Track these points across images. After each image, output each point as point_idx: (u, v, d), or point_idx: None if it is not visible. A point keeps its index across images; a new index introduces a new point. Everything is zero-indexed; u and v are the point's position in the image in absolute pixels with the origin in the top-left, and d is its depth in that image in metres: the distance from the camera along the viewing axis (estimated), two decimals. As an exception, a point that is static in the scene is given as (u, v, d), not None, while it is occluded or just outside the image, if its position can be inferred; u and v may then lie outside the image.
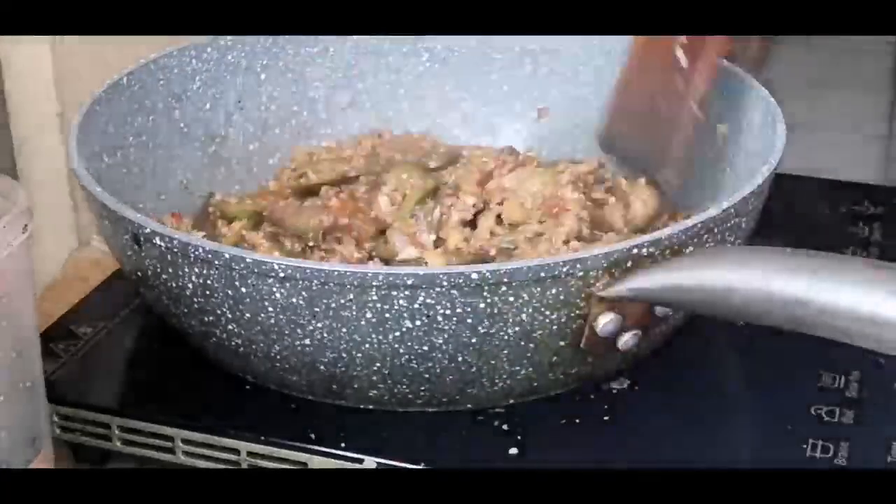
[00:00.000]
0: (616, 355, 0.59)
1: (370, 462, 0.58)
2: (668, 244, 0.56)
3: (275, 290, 0.54)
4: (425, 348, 0.56)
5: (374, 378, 0.58)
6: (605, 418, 0.61)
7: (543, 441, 0.59)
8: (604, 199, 0.72)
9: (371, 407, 0.60)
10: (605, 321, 0.56)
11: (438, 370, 0.57)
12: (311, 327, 0.55)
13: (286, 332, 0.56)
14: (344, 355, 0.56)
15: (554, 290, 0.55)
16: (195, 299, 0.57)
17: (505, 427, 0.60)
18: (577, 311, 0.56)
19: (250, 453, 0.59)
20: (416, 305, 0.54)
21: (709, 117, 0.72)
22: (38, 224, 0.52)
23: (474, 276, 0.53)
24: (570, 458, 0.58)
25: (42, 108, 0.86)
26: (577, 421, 0.60)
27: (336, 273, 0.53)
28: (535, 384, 0.60)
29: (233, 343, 0.59)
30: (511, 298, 0.54)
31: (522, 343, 0.56)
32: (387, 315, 0.54)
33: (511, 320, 0.55)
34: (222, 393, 0.62)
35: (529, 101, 0.82)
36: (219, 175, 0.77)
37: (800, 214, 0.79)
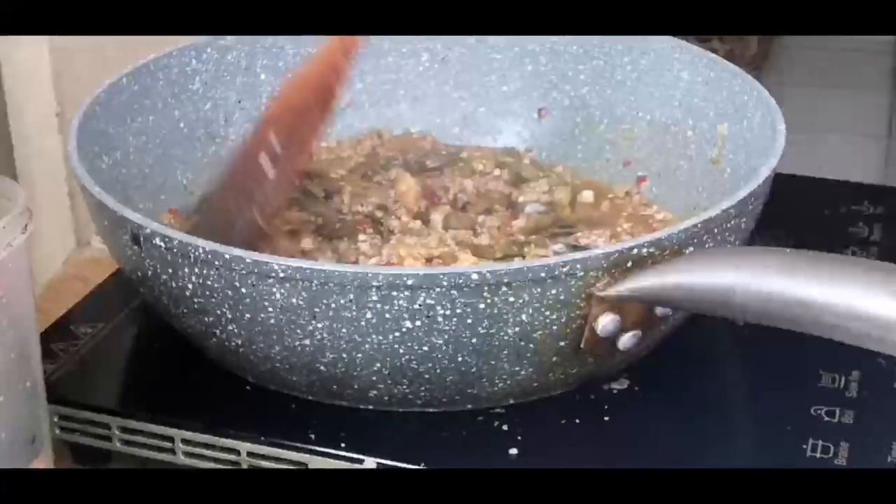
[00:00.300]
0: (616, 355, 0.59)
1: (370, 462, 0.58)
2: (668, 244, 0.56)
3: (275, 290, 0.54)
4: (425, 349, 0.56)
5: (374, 378, 0.58)
6: (605, 418, 0.61)
7: (543, 441, 0.59)
8: None
9: (371, 407, 0.60)
10: (605, 321, 0.56)
11: (438, 370, 0.57)
12: (311, 327, 0.55)
13: (286, 332, 0.56)
14: (344, 355, 0.56)
15: (554, 291, 0.55)
16: (195, 299, 0.57)
17: (505, 427, 0.60)
18: (578, 312, 0.56)
19: (250, 453, 0.59)
20: (417, 306, 0.54)
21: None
22: (37, 224, 0.52)
23: (474, 276, 0.53)
24: (570, 458, 0.58)
25: (42, 108, 0.86)
26: (577, 421, 0.60)
27: (336, 273, 0.53)
28: (535, 384, 0.60)
29: (233, 343, 0.59)
30: (511, 299, 0.54)
31: (522, 343, 0.56)
32: (387, 315, 0.54)
33: (511, 321, 0.55)
34: (222, 393, 0.62)
35: (529, 101, 0.82)
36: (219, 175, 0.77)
37: (800, 214, 0.79)
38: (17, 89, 0.86)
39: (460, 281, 0.53)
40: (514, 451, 0.58)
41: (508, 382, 0.59)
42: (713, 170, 0.72)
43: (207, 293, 0.56)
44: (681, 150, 0.76)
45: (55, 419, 0.62)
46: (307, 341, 0.56)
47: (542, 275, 0.54)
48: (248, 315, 0.56)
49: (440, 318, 0.54)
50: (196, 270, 0.56)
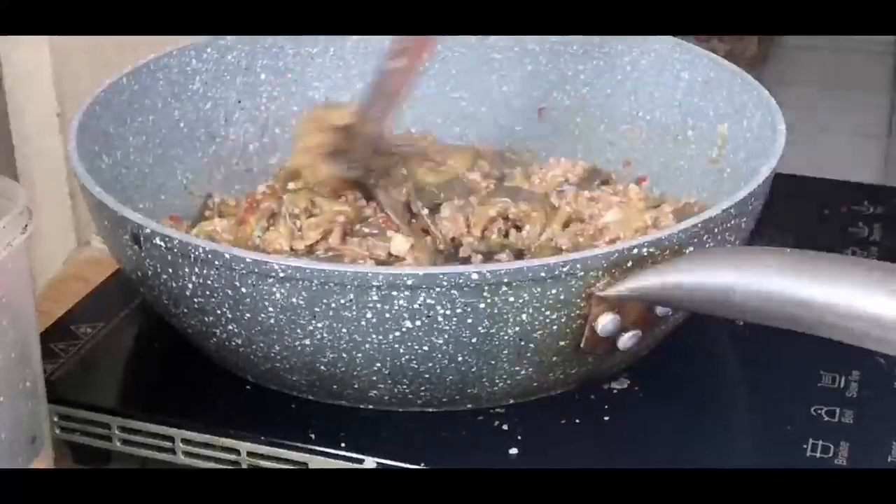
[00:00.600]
0: (616, 355, 0.59)
1: (370, 462, 0.58)
2: (668, 244, 0.56)
3: (275, 290, 0.54)
4: (425, 348, 0.56)
5: (375, 378, 0.58)
6: (605, 418, 0.61)
7: (543, 441, 0.59)
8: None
9: (371, 407, 0.60)
10: (605, 321, 0.56)
11: (438, 370, 0.57)
12: (311, 327, 0.55)
13: (286, 332, 0.56)
14: (344, 355, 0.56)
15: (554, 291, 0.55)
16: (195, 299, 0.57)
17: (505, 427, 0.60)
18: (578, 312, 0.56)
19: (250, 453, 0.59)
20: (417, 305, 0.54)
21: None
22: (37, 224, 0.52)
23: (474, 276, 0.53)
24: (570, 457, 0.58)
25: (42, 108, 0.86)
26: (577, 421, 0.60)
27: (336, 273, 0.53)
28: (536, 384, 0.60)
29: (233, 343, 0.59)
30: (511, 298, 0.54)
31: (523, 343, 0.56)
32: (387, 315, 0.54)
33: (511, 320, 0.55)
34: (222, 393, 0.62)
35: (529, 101, 0.82)
36: (219, 175, 0.77)
37: (800, 214, 0.79)
38: (18, 89, 0.86)
39: (460, 281, 0.53)
40: (514, 450, 0.58)
41: (508, 382, 0.59)
42: (713, 170, 0.72)
43: (207, 293, 0.56)
44: (681, 150, 0.76)
45: (55, 419, 0.62)
46: (307, 341, 0.56)
47: (543, 274, 0.54)
48: (248, 315, 0.56)
49: (440, 318, 0.54)
50: (196, 270, 0.56)
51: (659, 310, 0.57)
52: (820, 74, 1.76)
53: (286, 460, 0.59)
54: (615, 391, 0.62)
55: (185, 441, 0.60)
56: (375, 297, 0.54)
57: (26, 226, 0.51)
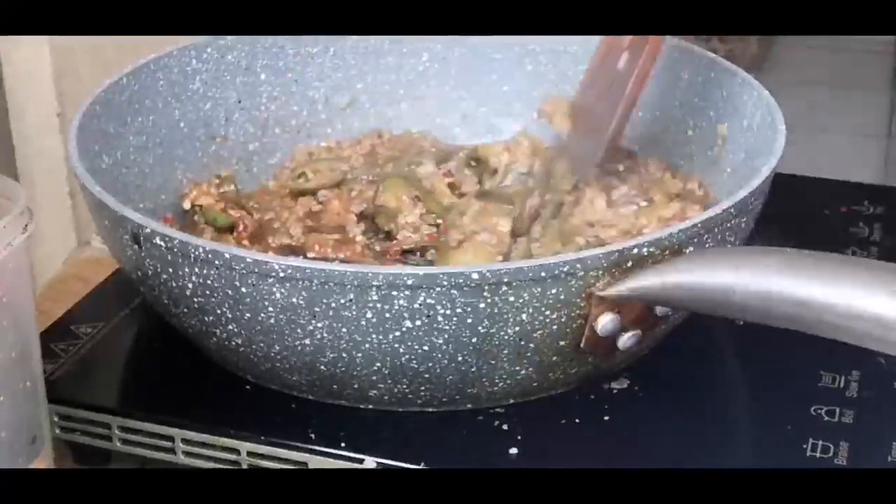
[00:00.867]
0: (616, 355, 0.59)
1: (370, 462, 0.58)
2: (668, 244, 0.56)
3: (275, 289, 0.54)
4: (425, 348, 0.56)
5: (374, 378, 0.58)
6: (605, 418, 0.61)
7: (543, 441, 0.59)
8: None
9: (371, 407, 0.60)
10: (605, 321, 0.56)
11: (438, 370, 0.57)
12: (311, 327, 0.55)
13: (286, 331, 0.56)
14: (344, 355, 0.56)
15: (554, 290, 0.55)
16: (195, 299, 0.57)
17: (505, 427, 0.60)
18: (578, 311, 0.56)
19: (250, 453, 0.59)
20: (417, 305, 0.54)
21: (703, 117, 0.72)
22: (38, 224, 0.52)
23: (474, 275, 0.53)
24: (570, 458, 0.58)
25: (42, 108, 0.86)
26: (577, 421, 0.60)
27: (336, 273, 0.53)
28: (535, 384, 0.60)
29: (233, 343, 0.59)
30: (511, 298, 0.54)
31: (522, 343, 0.56)
32: (387, 315, 0.54)
33: (511, 320, 0.55)
34: (222, 393, 0.62)
35: (529, 101, 0.82)
36: (219, 175, 0.77)
37: (800, 214, 0.79)
38: (18, 89, 0.86)
39: (460, 280, 0.53)
40: (514, 450, 0.58)
41: (508, 382, 0.59)
42: (713, 170, 0.72)
43: (207, 292, 0.56)
44: (681, 150, 0.76)
45: (55, 419, 0.62)
46: (307, 341, 0.56)
47: (543, 274, 0.54)
48: (248, 314, 0.56)
49: (440, 318, 0.54)
50: (196, 270, 0.56)
51: (659, 310, 0.57)
52: (820, 74, 1.76)
53: (286, 460, 0.59)
54: (615, 391, 0.62)
55: (185, 441, 0.60)
56: (375, 297, 0.54)
57: (26, 226, 0.51)
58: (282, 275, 0.54)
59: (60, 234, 0.88)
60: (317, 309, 0.55)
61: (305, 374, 0.59)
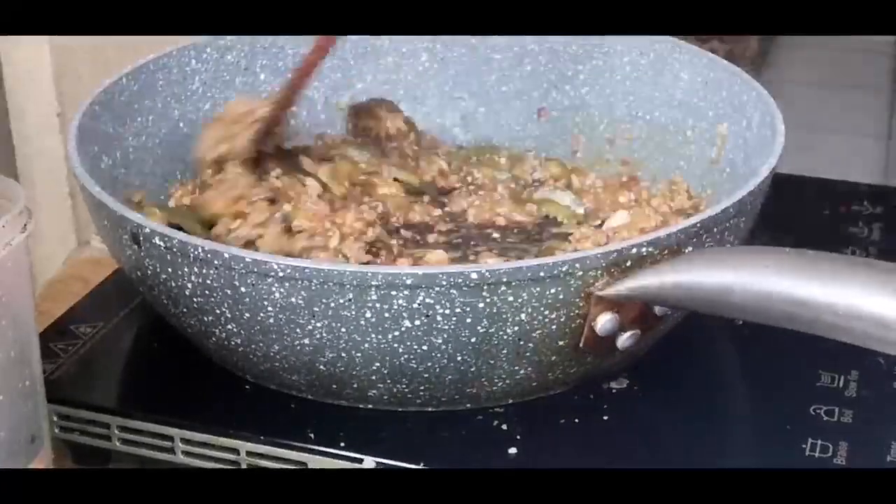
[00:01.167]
0: (615, 355, 0.59)
1: (370, 462, 0.58)
2: (668, 244, 0.56)
3: (274, 289, 0.54)
4: (425, 348, 0.56)
5: (374, 377, 0.58)
6: (605, 418, 0.61)
7: (543, 441, 0.59)
8: None
9: (370, 406, 0.60)
10: (604, 321, 0.56)
11: (438, 370, 0.57)
12: (310, 327, 0.55)
13: (285, 331, 0.56)
14: (343, 355, 0.56)
15: (553, 290, 0.55)
16: (195, 299, 0.57)
17: (504, 427, 0.60)
18: (577, 311, 0.56)
19: (250, 453, 0.59)
20: (416, 305, 0.54)
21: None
22: (38, 224, 0.52)
23: (474, 275, 0.53)
24: (569, 457, 0.58)
25: (42, 108, 0.86)
26: (577, 421, 0.60)
27: (335, 273, 0.53)
28: (535, 384, 0.60)
29: (232, 343, 0.59)
30: (510, 298, 0.54)
31: (522, 342, 0.56)
32: (386, 315, 0.54)
33: (510, 320, 0.55)
34: (222, 393, 0.62)
35: (529, 101, 0.82)
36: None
37: (800, 214, 0.79)
38: (18, 89, 0.86)
39: (459, 280, 0.53)
40: (513, 450, 0.58)
41: (508, 382, 0.59)
42: (713, 170, 0.72)
43: (207, 292, 0.57)
44: (681, 150, 0.76)
45: (55, 419, 0.62)
46: (306, 340, 0.56)
47: (542, 274, 0.54)
48: (247, 314, 0.56)
49: (439, 318, 0.54)
50: (195, 270, 0.56)
51: (658, 309, 0.57)
52: (820, 74, 1.76)
53: (286, 460, 0.59)
54: (614, 391, 0.62)
55: (185, 441, 0.60)
56: (374, 297, 0.54)
57: (26, 225, 0.51)
58: (281, 274, 0.54)
59: (60, 234, 0.88)
60: (316, 309, 0.55)
61: (305, 373, 0.59)
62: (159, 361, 0.66)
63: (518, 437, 0.59)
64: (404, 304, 0.54)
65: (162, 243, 0.56)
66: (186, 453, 0.60)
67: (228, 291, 0.56)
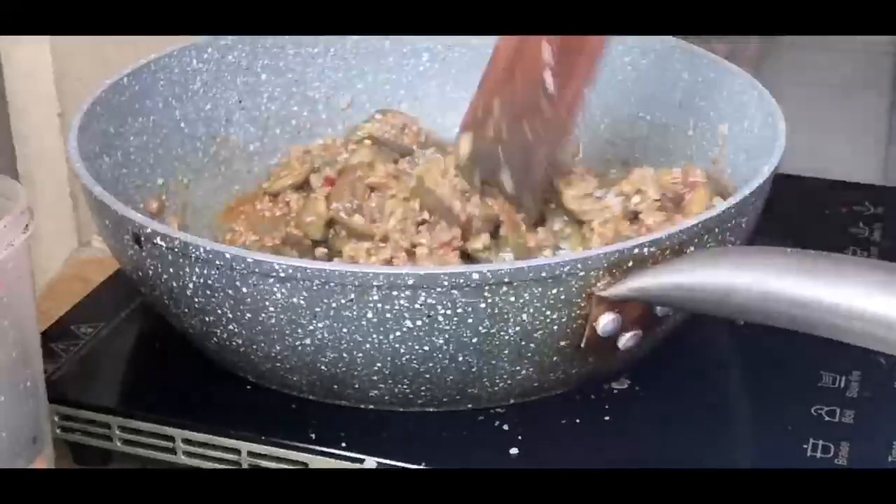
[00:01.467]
0: (616, 355, 0.59)
1: (370, 462, 0.58)
2: (669, 244, 0.56)
3: (275, 290, 0.54)
4: (426, 348, 0.56)
5: (375, 378, 0.58)
6: (605, 418, 0.61)
7: (543, 441, 0.59)
8: None
9: (371, 407, 0.60)
10: (605, 321, 0.56)
11: (439, 370, 0.57)
12: (311, 327, 0.55)
13: (287, 332, 0.56)
14: (345, 355, 0.56)
15: (555, 290, 0.55)
16: (196, 299, 0.57)
17: (505, 427, 0.60)
18: (578, 311, 0.56)
19: (251, 453, 0.59)
20: (417, 305, 0.54)
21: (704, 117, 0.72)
22: (38, 224, 0.52)
23: (475, 276, 0.53)
24: (570, 458, 0.58)
25: (42, 108, 0.86)
26: (577, 421, 0.60)
27: (337, 273, 0.53)
28: (536, 384, 0.60)
29: (233, 343, 0.59)
30: (512, 298, 0.54)
31: (523, 343, 0.56)
32: (387, 315, 0.54)
33: (512, 320, 0.55)
34: (223, 393, 0.62)
35: (530, 101, 0.82)
36: (219, 175, 0.77)
37: (800, 214, 0.79)
38: (19, 90, 0.86)
39: (461, 280, 0.53)
40: (514, 450, 0.58)
41: (509, 382, 0.59)
42: (713, 170, 0.72)
43: (208, 293, 0.57)
44: (681, 150, 0.76)
45: (56, 419, 0.62)
46: (308, 341, 0.56)
47: (543, 274, 0.54)
48: (248, 315, 0.56)
49: (441, 318, 0.54)
50: (197, 270, 0.56)
51: (659, 310, 0.57)
52: (820, 74, 1.76)
53: (287, 460, 0.59)
54: (615, 391, 0.62)
55: (186, 441, 0.60)
56: (376, 297, 0.54)
57: (27, 225, 0.51)
58: (282, 275, 0.54)
59: (60, 234, 0.88)
60: (317, 309, 0.55)
61: (306, 374, 0.59)
62: (160, 362, 0.66)
63: (519, 437, 0.59)
64: (406, 305, 0.54)
65: (163, 244, 0.56)
66: (187, 453, 0.61)
67: (230, 292, 0.56)
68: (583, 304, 0.56)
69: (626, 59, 0.79)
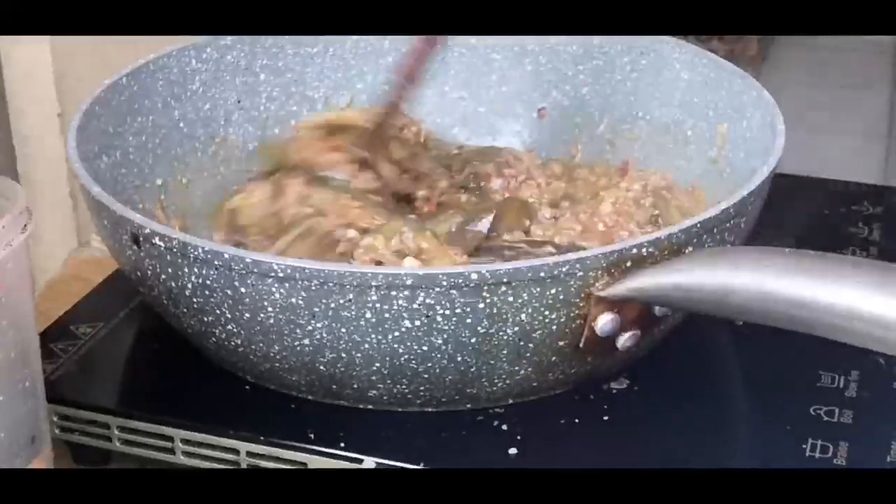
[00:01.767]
0: (615, 355, 0.59)
1: (369, 462, 0.58)
2: (668, 244, 0.56)
3: (274, 290, 0.54)
4: (425, 348, 0.56)
5: (374, 378, 0.58)
6: (605, 418, 0.61)
7: (543, 441, 0.59)
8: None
9: (370, 407, 0.60)
10: (604, 321, 0.56)
11: (438, 370, 0.57)
12: (310, 327, 0.55)
13: (285, 332, 0.56)
14: (343, 355, 0.56)
15: (553, 291, 0.55)
16: (194, 299, 0.57)
17: (505, 427, 0.60)
18: (577, 311, 0.56)
19: (250, 453, 0.59)
20: (416, 305, 0.54)
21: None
22: (38, 224, 0.52)
23: (474, 276, 0.53)
24: (570, 458, 0.58)
25: (42, 108, 0.86)
26: (577, 421, 0.60)
27: (335, 273, 0.53)
28: (535, 384, 0.60)
29: (232, 343, 0.59)
30: (510, 298, 0.54)
31: (522, 343, 0.56)
32: (386, 315, 0.54)
33: (510, 320, 0.55)
34: (222, 393, 0.62)
35: (529, 101, 0.82)
36: (219, 175, 0.77)
37: (800, 214, 0.79)
38: (19, 90, 0.86)
39: (459, 281, 0.53)
40: (513, 450, 0.58)
41: (508, 382, 0.59)
42: (713, 170, 0.72)
43: (207, 293, 0.57)
44: (681, 150, 0.76)
45: (55, 419, 0.62)
46: (306, 341, 0.56)
47: (542, 274, 0.54)
48: (247, 315, 0.56)
49: (439, 318, 0.54)
50: (195, 270, 0.56)
51: (658, 310, 0.57)
52: (820, 74, 1.76)
53: (285, 460, 0.59)
54: (614, 391, 0.62)
55: (185, 441, 0.60)
56: (374, 297, 0.54)
57: (26, 225, 0.51)
58: (281, 275, 0.54)
59: (60, 235, 0.88)
60: (316, 309, 0.55)
61: (305, 374, 0.59)
62: (159, 362, 0.66)
63: (518, 437, 0.59)
64: (404, 305, 0.54)
65: (162, 244, 0.56)
66: (186, 454, 0.61)
67: (228, 292, 0.56)
68: (581, 305, 0.56)
69: (625, 59, 0.79)
